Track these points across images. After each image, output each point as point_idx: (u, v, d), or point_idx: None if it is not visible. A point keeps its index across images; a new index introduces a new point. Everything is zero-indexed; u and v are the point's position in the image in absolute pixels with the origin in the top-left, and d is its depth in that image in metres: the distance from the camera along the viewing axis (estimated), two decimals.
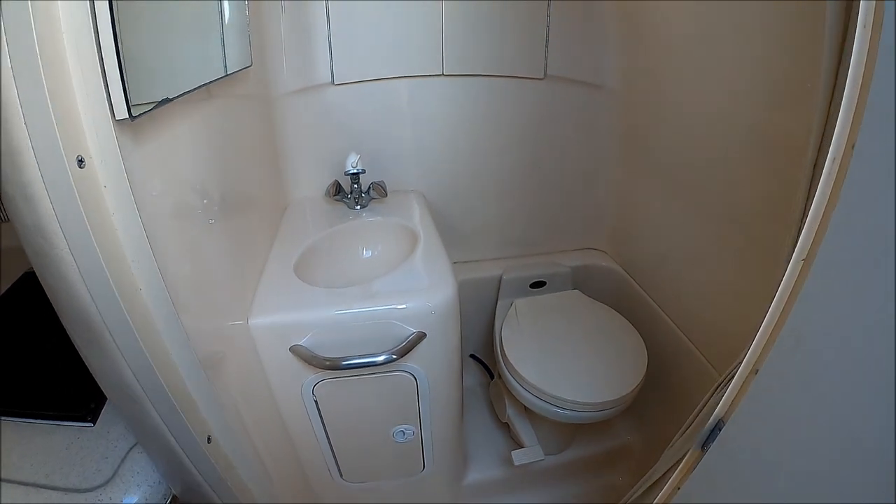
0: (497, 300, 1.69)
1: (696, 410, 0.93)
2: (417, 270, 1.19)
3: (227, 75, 0.93)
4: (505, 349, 1.41)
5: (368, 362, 1.07)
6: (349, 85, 1.42)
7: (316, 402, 1.17)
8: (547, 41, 1.47)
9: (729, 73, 1.15)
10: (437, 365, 1.18)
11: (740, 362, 0.82)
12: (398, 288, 1.13)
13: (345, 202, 1.47)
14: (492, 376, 1.78)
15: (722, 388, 0.85)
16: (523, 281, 1.67)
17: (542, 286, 1.68)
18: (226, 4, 0.95)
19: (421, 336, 1.10)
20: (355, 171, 1.35)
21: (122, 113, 0.56)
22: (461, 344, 1.23)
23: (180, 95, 0.70)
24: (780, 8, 0.99)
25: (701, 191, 1.30)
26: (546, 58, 1.48)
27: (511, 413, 1.59)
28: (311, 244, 1.29)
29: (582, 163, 1.67)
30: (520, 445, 1.56)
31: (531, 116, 1.57)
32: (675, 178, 1.41)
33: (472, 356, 1.88)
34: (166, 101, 0.65)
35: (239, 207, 1.08)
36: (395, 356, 1.07)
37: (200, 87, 0.79)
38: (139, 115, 0.58)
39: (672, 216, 1.45)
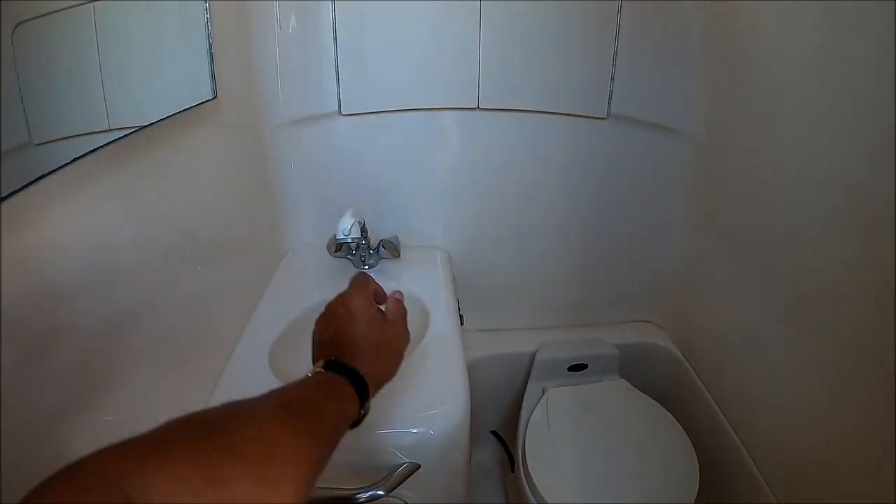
0: (528, 381, 1.40)
1: None
2: (419, 374, 0.91)
3: (155, 123, 0.67)
4: (529, 464, 1.13)
5: (348, 498, 0.81)
6: (360, 116, 1.14)
7: None
8: (613, 72, 1.16)
9: (853, 127, 0.83)
10: (434, 496, 0.91)
11: None
12: (389, 400, 0.86)
13: (350, 259, 1.20)
14: (512, 464, 1.49)
15: None
16: (560, 363, 1.37)
17: (582, 369, 1.38)
18: (173, 24, 0.70)
19: (413, 468, 0.83)
20: (348, 239, 1.05)
21: None
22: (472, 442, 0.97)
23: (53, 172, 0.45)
24: None
25: (789, 268, 1.01)
26: (611, 92, 1.17)
27: None
28: (297, 317, 1.03)
29: (645, 221, 1.35)
30: None
31: (587, 163, 1.26)
32: (758, 248, 1.11)
33: (494, 433, 1.59)
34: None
35: (198, 277, 0.84)
36: (381, 492, 0.81)
37: (91, 152, 0.53)
38: None
39: (746, 293, 1.16)
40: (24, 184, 0.43)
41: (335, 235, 1.13)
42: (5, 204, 0.41)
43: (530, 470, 1.12)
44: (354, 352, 0.53)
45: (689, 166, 1.27)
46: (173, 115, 0.72)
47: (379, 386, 0.55)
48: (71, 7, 0.53)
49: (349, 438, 0.82)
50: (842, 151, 0.86)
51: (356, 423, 0.51)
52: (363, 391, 0.51)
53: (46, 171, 0.46)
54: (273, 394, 0.42)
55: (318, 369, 0.51)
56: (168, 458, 0.30)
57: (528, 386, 1.38)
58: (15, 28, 0.45)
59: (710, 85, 1.17)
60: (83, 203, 0.57)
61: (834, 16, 0.85)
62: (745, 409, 1.17)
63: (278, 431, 0.37)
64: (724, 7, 1.09)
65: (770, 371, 1.09)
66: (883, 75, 0.75)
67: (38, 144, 0.48)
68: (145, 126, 0.66)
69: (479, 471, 1.57)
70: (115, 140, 0.60)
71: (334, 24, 1.05)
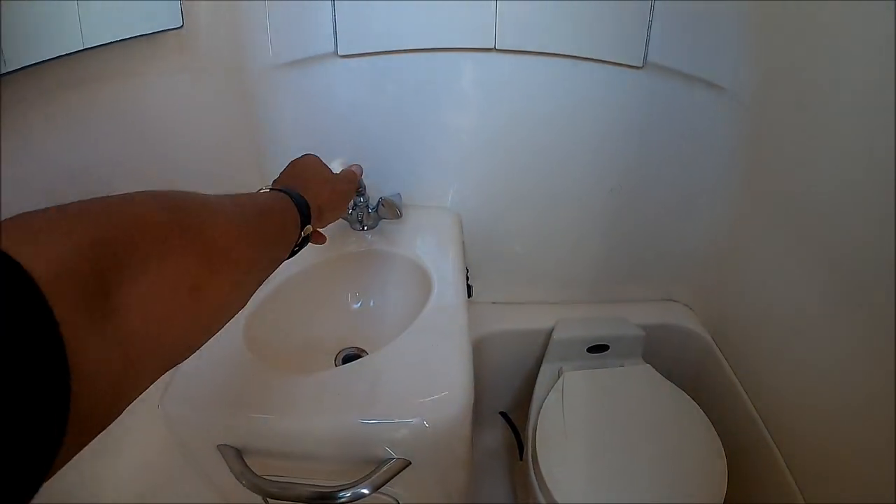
0: (542, 361, 1.28)
1: None
2: (416, 351, 0.80)
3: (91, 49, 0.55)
4: (539, 454, 1.02)
5: (328, 496, 0.71)
6: (359, 58, 1.00)
7: None
8: (652, 12, 0.99)
9: None
10: (430, 494, 0.81)
11: None
12: (379, 383, 0.75)
13: (346, 219, 1.08)
14: (521, 451, 1.39)
15: None
16: (579, 343, 1.24)
17: (603, 350, 1.25)
18: None
19: (402, 465, 0.73)
20: None
21: None
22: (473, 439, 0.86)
23: None
24: None
25: (845, 246, 0.88)
26: (648, 38, 1.01)
27: None
28: (281, 283, 0.92)
29: (679, 187, 1.20)
30: None
31: (617, 118, 1.10)
32: (808, 224, 0.97)
33: (503, 414, 1.48)
34: None
35: None
36: (365, 490, 0.71)
37: None
38: None
39: (790, 273, 1.01)
40: None
41: None
42: None
43: (539, 461, 1.01)
44: (304, 184, 0.57)
45: (733, 128, 1.10)
46: (116, 42, 0.59)
47: (318, 218, 0.58)
48: None
49: (331, 430, 0.73)
50: None
51: (292, 252, 0.53)
52: (305, 217, 0.53)
53: None
54: (227, 195, 0.43)
55: (267, 188, 0.54)
56: (130, 210, 0.31)
57: (543, 366, 1.26)
58: None
59: (767, 38, 1.00)
60: None
61: None
62: (779, 402, 1.05)
63: (227, 224, 0.39)
64: None
65: (811, 362, 0.96)
66: None
67: None
68: (73, 53, 0.54)
69: (485, 455, 1.48)
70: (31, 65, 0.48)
71: None
